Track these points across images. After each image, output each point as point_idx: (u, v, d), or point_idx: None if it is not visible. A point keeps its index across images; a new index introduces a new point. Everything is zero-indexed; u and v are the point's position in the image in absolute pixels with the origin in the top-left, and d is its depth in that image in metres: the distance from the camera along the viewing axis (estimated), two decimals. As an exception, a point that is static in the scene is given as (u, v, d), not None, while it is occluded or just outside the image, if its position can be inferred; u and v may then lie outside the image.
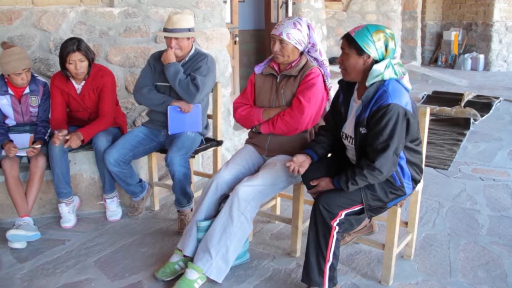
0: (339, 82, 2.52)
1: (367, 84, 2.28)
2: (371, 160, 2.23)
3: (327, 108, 2.82)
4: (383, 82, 2.26)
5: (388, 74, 2.25)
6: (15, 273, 2.78)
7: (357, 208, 2.39)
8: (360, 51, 2.27)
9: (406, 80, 2.33)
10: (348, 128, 2.46)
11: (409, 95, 2.31)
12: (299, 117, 2.72)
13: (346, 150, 2.58)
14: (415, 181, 2.50)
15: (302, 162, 2.55)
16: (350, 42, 2.29)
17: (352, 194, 2.35)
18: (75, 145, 3.18)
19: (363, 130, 2.31)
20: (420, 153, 2.50)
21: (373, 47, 2.25)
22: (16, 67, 3.19)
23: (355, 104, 2.43)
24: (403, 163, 2.40)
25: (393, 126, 2.19)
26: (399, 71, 2.28)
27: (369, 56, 2.27)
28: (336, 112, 2.55)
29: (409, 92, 2.32)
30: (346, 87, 2.49)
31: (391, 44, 2.27)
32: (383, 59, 2.28)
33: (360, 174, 2.25)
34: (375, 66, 2.24)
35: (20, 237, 3.03)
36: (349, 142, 2.48)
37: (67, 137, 3.17)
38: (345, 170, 2.33)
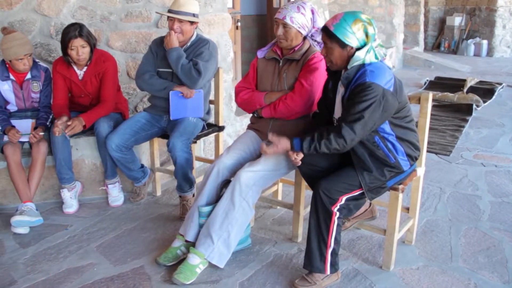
0: (327, 69, 2.55)
1: (348, 67, 2.32)
2: (340, 128, 2.25)
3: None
4: (363, 64, 2.29)
5: (369, 58, 2.29)
6: (18, 258, 2.80)
7: (357, 192, 2.41)
8: (343, 45, 2.29)
9: (387, 61, 2.37)
10: (337, 113, 2.49)
11: (392, 72, 2.33)
12: (301, 100, 2.72)
13: None
14: (411, 157, 2.50)
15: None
16: (331, 37, 2.31)
17: (350, 178, 2.38)
18: (77, 130, 3.19)
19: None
20: (412, 130, 2.49)
21: (354, 38, 2.28)
22: (18, 52, 3.17)
23: (341, 89, 2.46)
24: (393, 139, 2.40)
25: (369, 104, 2.21)
26: (379, 53, 2.32)
27: (352, 47, 2.30)
28: (328, 99, 2.57)
29: (391, 70, 2.34)
30: (333, 74, 2.52)
31: (370, 30, 2.30)
32: (365, 45, 2.30)
33: (327, 139, 2.27)
34: (357, 53, 2.28)
35: (24, 222, 3.04)
36: None
37: (69, 123, 3.17)
38: (312, 131, 2.36)
